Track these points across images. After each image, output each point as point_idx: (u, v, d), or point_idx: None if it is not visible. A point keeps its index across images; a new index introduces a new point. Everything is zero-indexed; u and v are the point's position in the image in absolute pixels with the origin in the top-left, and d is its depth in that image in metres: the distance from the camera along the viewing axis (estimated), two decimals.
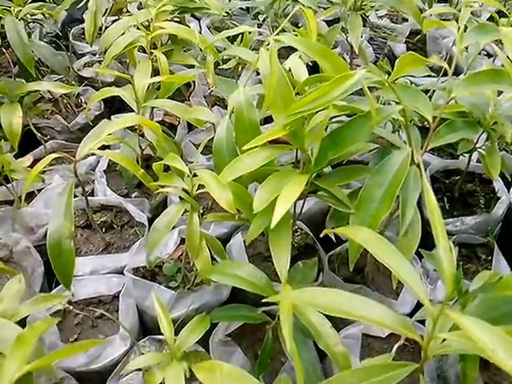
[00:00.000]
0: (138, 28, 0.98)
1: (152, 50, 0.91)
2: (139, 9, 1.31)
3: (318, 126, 0.58)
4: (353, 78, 0.53)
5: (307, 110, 0.55)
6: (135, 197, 0.90)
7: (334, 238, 0.70)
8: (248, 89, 0.71)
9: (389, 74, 0.94)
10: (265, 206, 0.56)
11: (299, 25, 1.32)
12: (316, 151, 0.58)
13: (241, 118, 0.64)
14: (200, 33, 1.32)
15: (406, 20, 1.30)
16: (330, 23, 1.36)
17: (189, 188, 0.65)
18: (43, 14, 1.12)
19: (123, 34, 0.97)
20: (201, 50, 0.97)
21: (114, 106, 1.17)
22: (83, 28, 1.38)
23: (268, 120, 0.76)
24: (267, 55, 0.59)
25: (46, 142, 1.03)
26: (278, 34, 0.63)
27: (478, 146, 0.81)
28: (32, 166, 0.90)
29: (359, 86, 0.54)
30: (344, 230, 0.50)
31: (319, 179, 0.62)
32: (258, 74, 0.71)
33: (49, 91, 1.12)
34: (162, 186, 0.66)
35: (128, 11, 1.33)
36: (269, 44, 0.61)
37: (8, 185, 0.88)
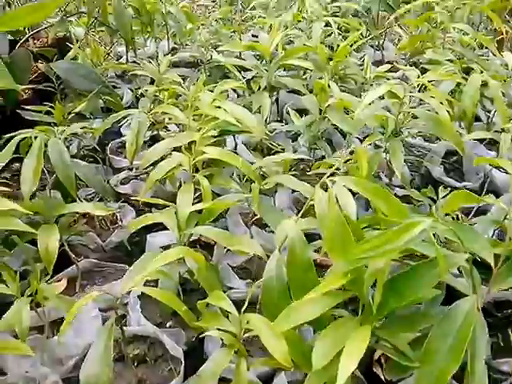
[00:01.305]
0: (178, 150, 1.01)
1: (194, 174, 0.92)
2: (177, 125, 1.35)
3: (379, 272, 0.55)
4: (418, 228, 0.50)
5: (369, 258, 0.52)
6: (170, 327, 0.85)
7: None
8: (295, 219, 0.69)
9: (433, 200, 0.94)
10: (326, 363, 0.51)
11: (332, 142, 1.34)
12: (377, 300, 0.54)
13: (293, 257, 0.61)
14: (235, 148, 1.34)
15: (439, 139, 1.31)
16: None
17: (236, 331, 0.61)
18: None
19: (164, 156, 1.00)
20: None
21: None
22: (120, 142, 1.43)
23: None
24: (325, 197, 0.58)
25: (78, 260, 1.01)
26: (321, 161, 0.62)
27: None
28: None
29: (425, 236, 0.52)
30: None
31: (380, 328, 0.57)
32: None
33: None
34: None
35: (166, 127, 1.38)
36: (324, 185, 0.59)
37: (39, 309, 0.85)
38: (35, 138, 0.90)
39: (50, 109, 1.28)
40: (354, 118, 0.92)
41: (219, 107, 0.99)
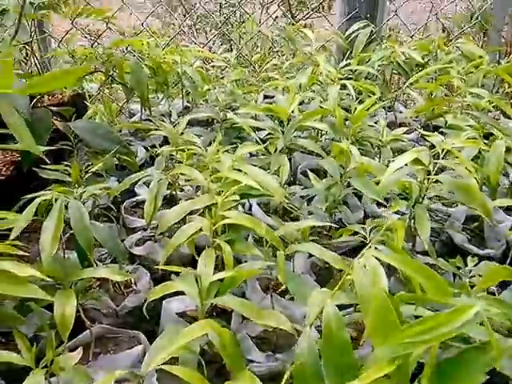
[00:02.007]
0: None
1: (214, 239, 0.89)
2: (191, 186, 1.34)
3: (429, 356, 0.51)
4: (472, 311, 0.47)
5: (420, 342, 0.49)
6: None
7: None
8: (328, 292, 0.66)
9: (457, 267, 0.91)
10: None
11: (348, 204, 1.32)
12: None
13: (329, 337, 0.58)
14: (250, 209, 1.33)
15: (457, 204, 1.30)
16: None
17: None
18: None
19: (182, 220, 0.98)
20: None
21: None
22: (135, 201, 1.41)
23: None
24: (367, 275, 0.55)
25: (91, 326, 0.97)
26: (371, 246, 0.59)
27: None
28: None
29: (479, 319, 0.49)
30: None
31: None
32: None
33: None
34: None
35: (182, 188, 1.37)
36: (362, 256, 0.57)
37: (52, 379, 0.80)
38: (55, 200, 0.88)
39: (66, 167, 1.28)
40: (378, 183, 0.90)
41: (239, 170, 0.98)
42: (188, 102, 2.07)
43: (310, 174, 1.07)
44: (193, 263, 1.20)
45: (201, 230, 0.90)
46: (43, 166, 1.20)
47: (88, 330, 0.97)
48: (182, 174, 1.08)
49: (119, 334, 1.01)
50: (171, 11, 4.25)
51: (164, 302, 1.01)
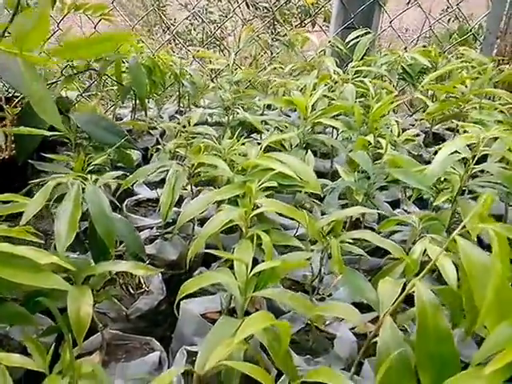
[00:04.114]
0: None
1: (249, 230, 0.81)
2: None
3: None
4: None
5: None
6: None
7: None
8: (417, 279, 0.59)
9: None
10: None
11: None
12: None
13: (424, 324, 0.50)
14: None
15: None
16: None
17: None
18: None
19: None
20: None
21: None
22: (136, 200, 1.31)
23: None
24: (474, 249, 0.48)
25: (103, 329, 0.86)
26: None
27: None
28: None
29: None
30: None
31: None
32: None
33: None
34: None
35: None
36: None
37: None
38: (71, 184, 0.78)
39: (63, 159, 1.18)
40: (423, 174, 0.84)
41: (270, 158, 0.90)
42: (181, 106, 1.99)
43: (339, 168, 1.01)
44: (204, 263, 1.11)
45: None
46: (42, 155, 1.09)
47: (96, 335, 0.86)
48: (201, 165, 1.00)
49: (130, 340, 0.90)
50: (150, 27, 4.20)
51: (182, 303, 0.91)
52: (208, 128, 1.14)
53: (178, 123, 1.26)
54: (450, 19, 3.98)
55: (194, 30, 4.34)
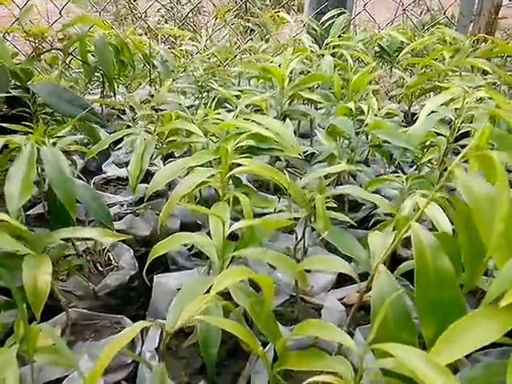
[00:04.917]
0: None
1: (226, 192, 0.75)
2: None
3: None
4: None
5: None
6: None
7: None
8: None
9: None
10: None
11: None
12: None
13: (423, 267, 0.44)
14: None
15: None
16: None
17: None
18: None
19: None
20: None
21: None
22: (104, 178, 1.24)
23: None
24: (474, 179, 0.43)
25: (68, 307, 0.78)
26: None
27: None
28: None
29: None
30: None
31: None
32: None
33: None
34: None
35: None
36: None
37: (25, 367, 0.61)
38: (24, 145, 0.70)
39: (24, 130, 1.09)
40: (408, 134, 0.79)
41: (247, 120, 0.84)
42: (153, 89, 1.91)
43: (320, 132, 0.95)
44: None
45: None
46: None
47: (61, 314, 0.78)
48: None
49: (99, 319, 0.82)
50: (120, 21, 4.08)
51: (156, 277, 0.84)
52: (179, 97, 1.07)
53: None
54: (422, 11, 4.01)
55: (166, 22, 4.25)
